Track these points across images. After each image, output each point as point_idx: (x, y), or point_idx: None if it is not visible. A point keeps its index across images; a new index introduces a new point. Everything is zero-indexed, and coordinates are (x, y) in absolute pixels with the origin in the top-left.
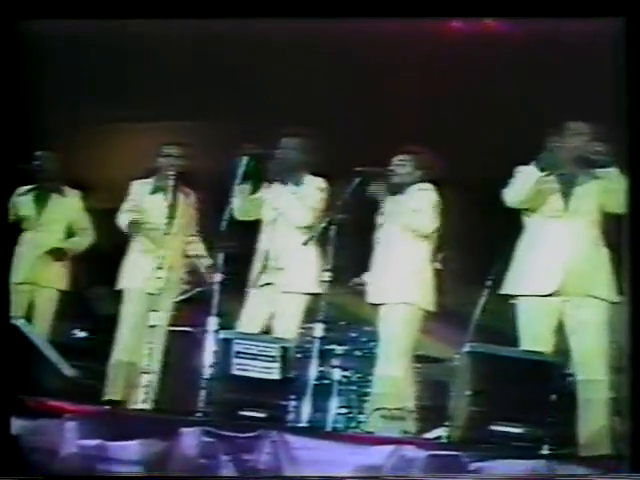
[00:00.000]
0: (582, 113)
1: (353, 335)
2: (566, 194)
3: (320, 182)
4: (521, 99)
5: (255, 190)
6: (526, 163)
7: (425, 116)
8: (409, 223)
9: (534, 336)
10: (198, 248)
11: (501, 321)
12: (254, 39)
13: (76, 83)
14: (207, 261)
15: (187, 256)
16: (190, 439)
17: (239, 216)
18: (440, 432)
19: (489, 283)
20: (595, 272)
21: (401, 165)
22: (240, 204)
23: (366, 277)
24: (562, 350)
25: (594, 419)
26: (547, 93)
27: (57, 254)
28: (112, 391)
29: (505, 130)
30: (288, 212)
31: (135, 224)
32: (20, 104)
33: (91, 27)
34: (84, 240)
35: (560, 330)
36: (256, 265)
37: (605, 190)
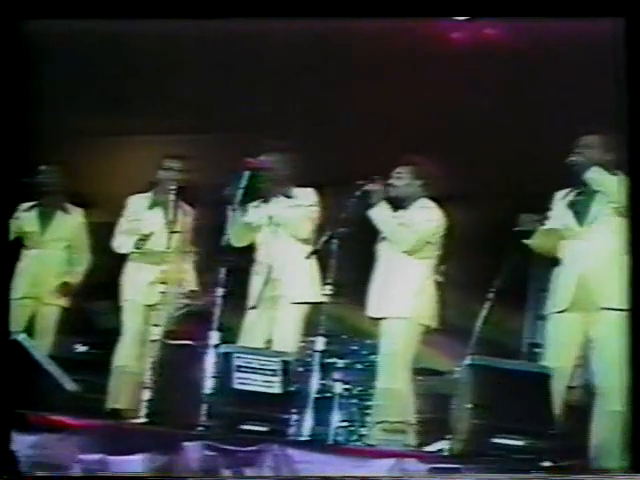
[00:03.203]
0: (582, 114)
1: (354, 348)
2: (578, 211)
3: (310, 192)
4: (520, 102)
5: (253, 201)
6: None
7: (427, 127)
8: (396, 237)
9: (557, 351)
10: (199, 263)
11: (503, 334)
12: (254, 52)
13: (76, 89)
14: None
15: (187, 270)
16: (192, 453)
17: (234, 243)
18: (442, 445)
19: (491, 296)
20: (610, 283)
21: (400, 177)
22: (235, 230)
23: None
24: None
25: (608, 431)
26: (546, 94)
27: (65, 289)
28: (115, 400)
29: (505, 138)
30: (288, 224)
31: (138, 243)
32: (20, 108)
33: (89, 34)
34: (82, 260)
35: (583, 344)
36: (257, 280)
37: (613, 197)
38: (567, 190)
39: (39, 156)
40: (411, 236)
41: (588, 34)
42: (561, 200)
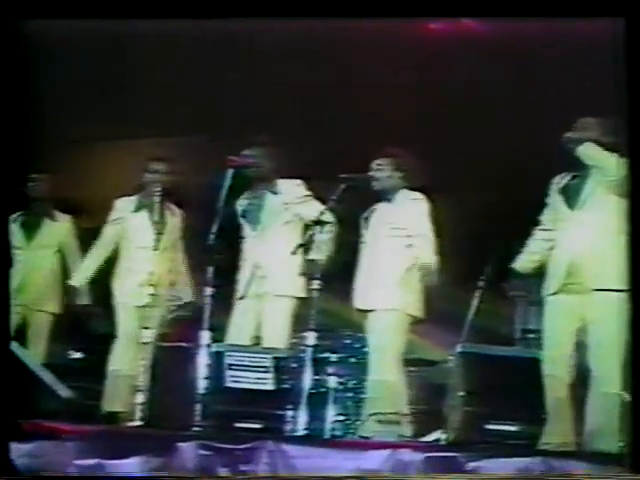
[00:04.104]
0: (581, 114)
1: (347, 342)
2: (569, 195)
3: (298, 183)
4: (518, 101)
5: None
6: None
7: (417, 120)
8: (408, 242)
9: (552, 334)
10: (187, 263)
11: (496, 321)
12: (235, 51)
13: (73, 92)
14: (196, 275)
15: (176, 272)
16: (187, 453)
17: None
18: (438, 434)
19: (481, 284)
20: (603, 264)
21: (380, 169)
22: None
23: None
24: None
25: (603, 413)
26: (546, 94)
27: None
28: (109, 405)
29: (503, 136)
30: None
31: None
32: (19, 112)
33: (89, 34)
34: (71, 266)
35: (578, 326)
36: (243, 275)
37: (608, 171)
38: (561, 175)
39: (26, 165)
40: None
41: (588, 34)
42: (555, 185)
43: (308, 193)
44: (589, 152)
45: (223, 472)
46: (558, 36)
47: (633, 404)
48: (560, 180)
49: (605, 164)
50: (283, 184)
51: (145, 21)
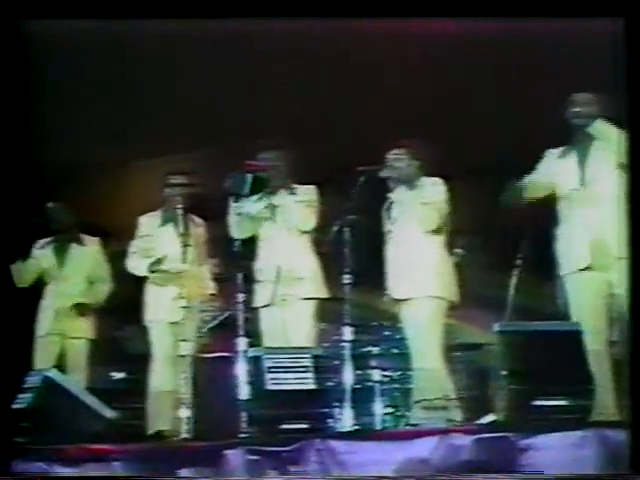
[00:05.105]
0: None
1: (387, 334)
2: (580, 168)
3: (312, 189)
4: (517, 100)
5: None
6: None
7: (418, 120)
8: (420, 216)
9: (584, 310)
10: (216, 272)
11: (537, 298)
12: (235, 51)
13: (77, 102)
14: (227, 284)
15: (207, 282)
16: (236, 460)
17: (237, 235)
18: (493, 416)
19: (518, 262)
20: (622, 236)
21: (398, 159)
22: (236, 222)
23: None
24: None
25: None
26: (546, 93)
27: (81, 309)
28: (155, 424)
29: (497, 131)
30: (291, 214)
31: (152, 266)
32: (17, 114)
33: (90, 34)
34: (103, 289)
35: (609, 300)
36: (267, 279)
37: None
38: (562, 149)
39: (45, 193)
40: (436, 214)
41: (588, 34)
42: (557, 159)
43: (316, 199)
44: (601, 128)
45: (272, 475)
46: (558, 36)
47: (633, 404)
48: (562, 154)
49: (616, 139)
50: (299, 187)
51: (145, 21)
